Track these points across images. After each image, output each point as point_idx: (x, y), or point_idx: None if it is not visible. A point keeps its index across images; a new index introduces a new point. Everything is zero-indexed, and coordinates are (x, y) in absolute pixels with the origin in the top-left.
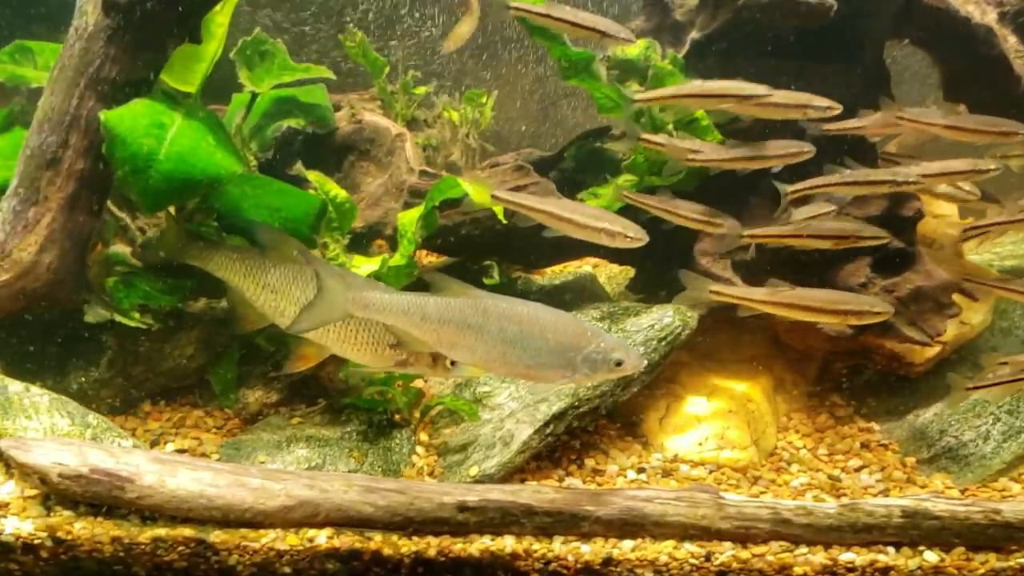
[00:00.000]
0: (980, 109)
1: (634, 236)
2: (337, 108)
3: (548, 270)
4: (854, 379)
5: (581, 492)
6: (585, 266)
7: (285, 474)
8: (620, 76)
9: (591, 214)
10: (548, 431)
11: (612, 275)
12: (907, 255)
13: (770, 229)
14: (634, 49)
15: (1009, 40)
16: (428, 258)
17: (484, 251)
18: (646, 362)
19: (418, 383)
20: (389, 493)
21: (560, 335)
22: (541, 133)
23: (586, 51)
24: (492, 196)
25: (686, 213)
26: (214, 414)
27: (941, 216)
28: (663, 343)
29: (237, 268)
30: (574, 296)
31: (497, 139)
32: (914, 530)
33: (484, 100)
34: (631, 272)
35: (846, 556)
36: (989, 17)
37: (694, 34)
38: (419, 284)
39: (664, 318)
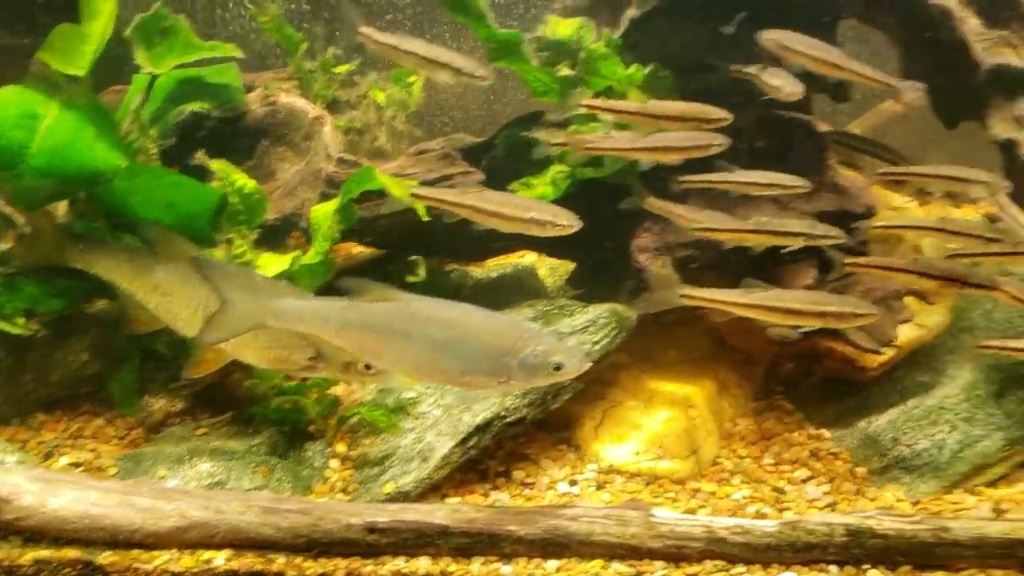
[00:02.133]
0: (940, 96)
1: (566, 223)
2: (251, 89)
3: (487, 262)
4: (804, 383)
5: (503, 510)
6: (528, 257)
7: (178, 493)
8: (550, 58)
9: (518, 204)
10: (471, 444)
11: (554, 266)
12: (857, 255)
13: (724, 224)
14: (566, 29)
15: (971, 22)
16: (357, 249)
17: (411, 244)
18: (590, 363)
19: (337, 390)
20: (291, 514)
21: (494, 338)
22: (478, 116)
23: (514, 32)
24: (411, 193)
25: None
26: (115, 423)
27: (898, 208)
28: (597, 346)
29: (124, 270)
30: (510, 291)
31: (430, 122)
32: (858, 548)
33: (412, 80)
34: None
35: (785, 575)
36: None
37: (631, 12)
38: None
39: (599, 319)
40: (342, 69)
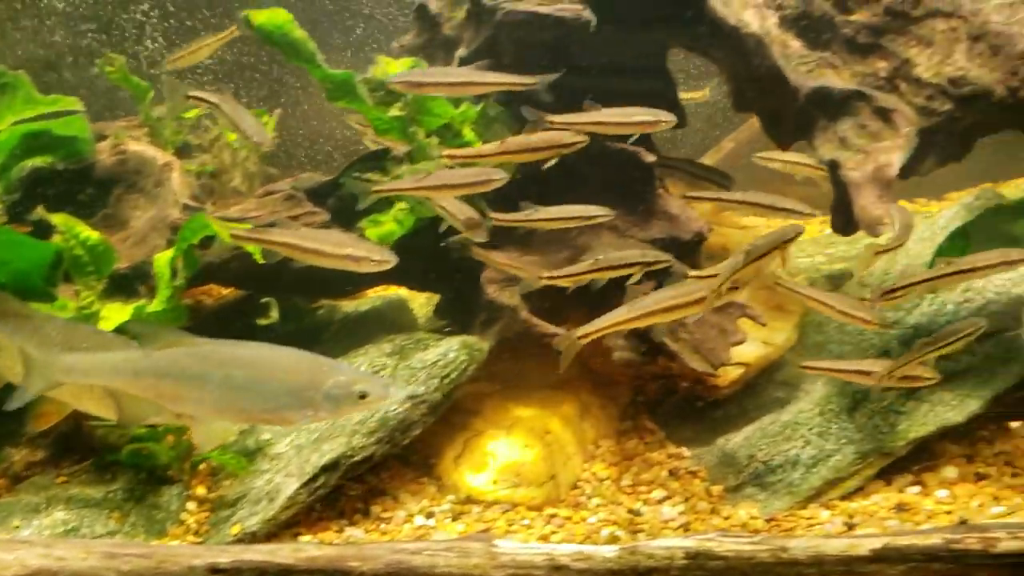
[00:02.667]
0: (767, 119)
1: (380, 259)
2: (102, 138)
3: (360, 296)
4: (666, 402)
5: (346, 547)
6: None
7: (19, 543)
8: (384, 97)
9: (334, 241)
10: (319, 484)
11: (431, 297)
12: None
13: (568, 269)
14: (396, 69)
15: (792, 45)
16: (228, 291)
17: (270, 284)
18: (394, 391)
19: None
20: (133, 558)
21: (294, 374)
22: (329, 153)
23: (347, 72)
24: (232, 235)
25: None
26: None
27: (747, 228)
28: (447, 380)
29: None
30: (378, 325)
31: (288, 159)
32: (698, 571)
33: (265, 120)
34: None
35: None
36: (769, 23)
37: (460, 51)
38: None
39: (449, 352)
40: (192, 114)
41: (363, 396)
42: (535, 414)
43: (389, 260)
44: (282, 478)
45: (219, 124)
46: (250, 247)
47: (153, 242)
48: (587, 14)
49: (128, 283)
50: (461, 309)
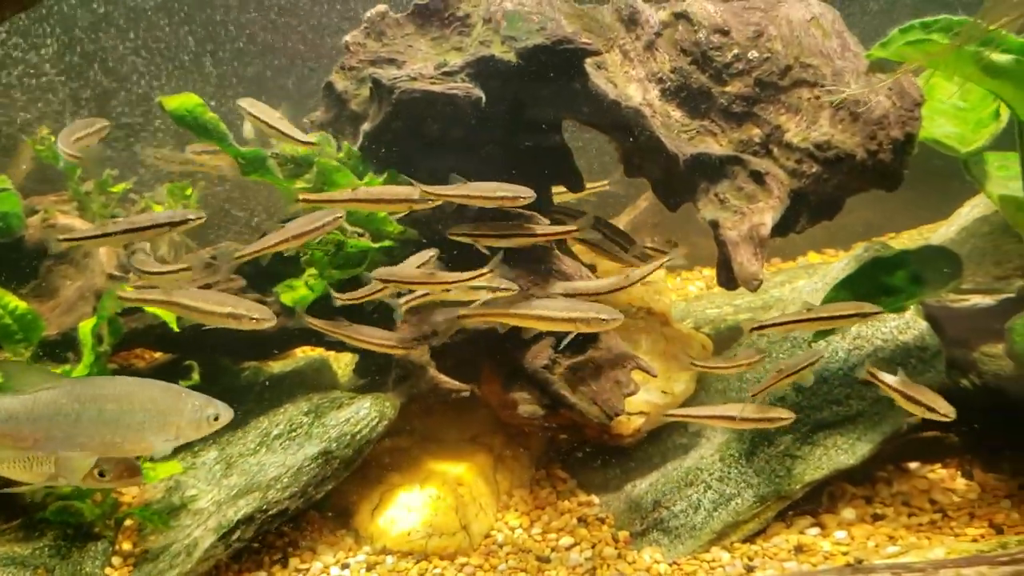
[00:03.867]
0: (655, 184)
1: (259, 318)
2: (33, 212)
3: (285, 357)
4: (576, 451)
5: None
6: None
7: None
8: (295, 171)
9: (215, 300)
10: (235, 537)
11: (355, 357)
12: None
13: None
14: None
15: (674, 115)
16: (157, 354)
17: (191, 347)
18: (232, 413)
19: (128, 489)
20: None
21: (158, 404)
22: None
23: (257, 149)
24: (119, 297)
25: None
26: None
27: (650, 283)
28: (358, 437)
29: None
30: (297, 386)
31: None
32: None
33: (188, 193)
34: None
35: None
36: (651, 95)
37: (365, 126)
38: None
39: (360, 411)
40: (118, 188)
41: (216, 418)
42: (449, 467)
43: (269, 319)
44: (200, 532)
45: (143, 198)
46: (161, 312)
47: (81, 310)
48: (477, 91)
49: (58, 349)
50: (376, 368)
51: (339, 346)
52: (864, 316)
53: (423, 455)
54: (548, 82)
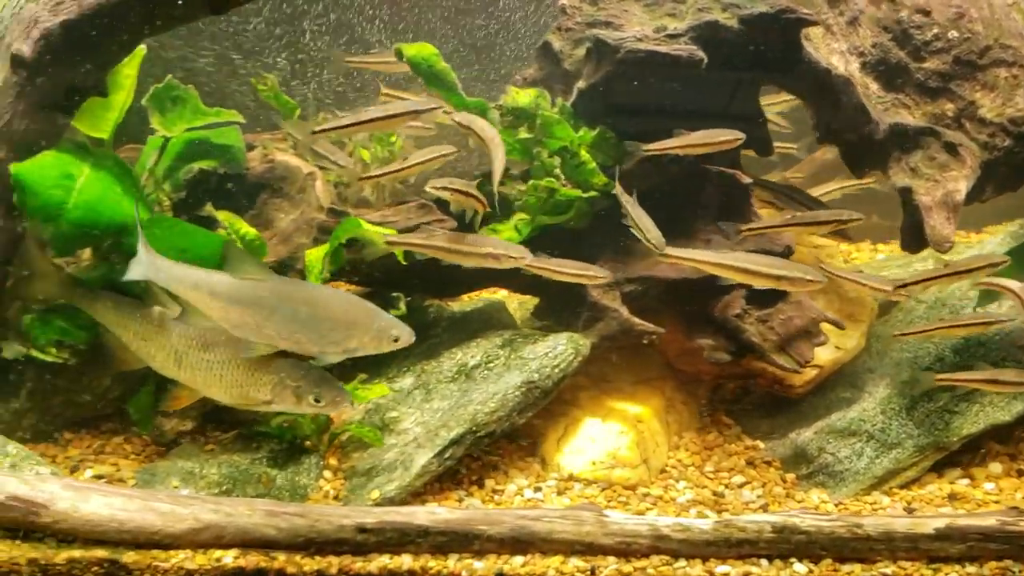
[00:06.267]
0: (848, 150)
1: (517, 256)
2: (251, 148)
3: (463, 297)
4: (742, 400)
5: (474, 512)
6: (500, 293)
7: (192, 499)
8: (513, 122)
9: (475, 241)
10: (447, 455)
11: (523, 301)
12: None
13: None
14: (525, 97)
15: (871, 87)
16: (349, 288)
17: (393, 282)
18: (413, 337)
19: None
20: (291, 516)
21: (349, 315)
22: (461, 171)
23: (480, 100)
24: (385, 240)
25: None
26: (133, 441)
27: (820, 247)
28: (556, 370)
29: (111, 316)
30: (481, 324)
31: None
32: (784, 544)
33: (393, 139)
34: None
35: (722, 568)
36: (852, 67)
37: (580, 83)
38: None
39: (558, 346)
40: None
41: (396, 339)
42: (627, 406)
43: (525, 256)
44: (414, 449)
45: (352, 140)
46: (396, 250)
47: (297, 241)
48: (700, 53)
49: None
50: (562, 310)
51: (525, 288)
52: (994, 266)
53: (601, 395)
54: (764, 49)
